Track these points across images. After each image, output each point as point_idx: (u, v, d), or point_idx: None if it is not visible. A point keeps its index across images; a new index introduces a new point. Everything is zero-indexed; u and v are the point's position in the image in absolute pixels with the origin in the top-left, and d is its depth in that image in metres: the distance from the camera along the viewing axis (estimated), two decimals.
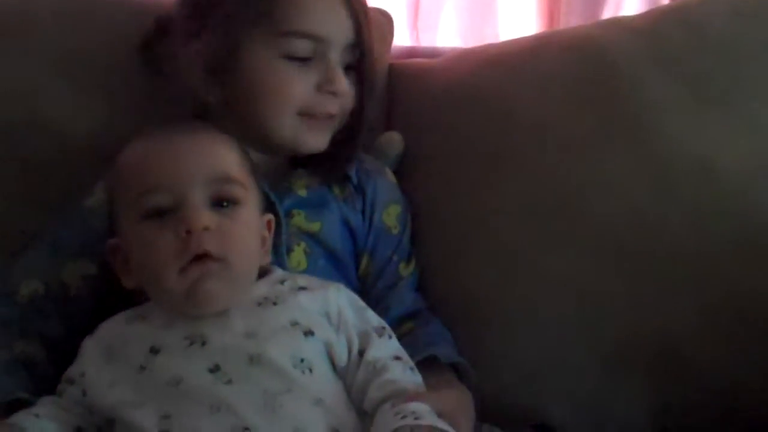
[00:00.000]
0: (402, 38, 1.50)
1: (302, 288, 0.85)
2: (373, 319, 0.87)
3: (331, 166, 1.01)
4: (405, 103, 1.18)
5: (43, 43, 1.11)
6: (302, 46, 0.94)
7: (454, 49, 1.34)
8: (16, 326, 0.89)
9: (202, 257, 0.78)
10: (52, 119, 1.09)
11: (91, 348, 0.82)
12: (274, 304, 0.82)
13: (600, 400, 0.99)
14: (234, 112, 0.97)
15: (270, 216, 0.90)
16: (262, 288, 0.84)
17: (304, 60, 0.95)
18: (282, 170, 1.01)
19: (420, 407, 0.75)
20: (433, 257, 1.06)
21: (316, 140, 0.98)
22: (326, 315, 0.83)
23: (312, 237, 0.97)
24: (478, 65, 1.16)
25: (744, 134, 1.02)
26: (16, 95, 1.09)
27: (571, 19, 1.50)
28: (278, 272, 0.89)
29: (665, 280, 0.99)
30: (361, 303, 0.88)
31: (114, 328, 0.84)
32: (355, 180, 1.03)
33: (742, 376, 0.97)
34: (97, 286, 0.93)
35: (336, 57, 0.96)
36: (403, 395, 0.77)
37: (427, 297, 1.04)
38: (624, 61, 1.08)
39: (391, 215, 1.04)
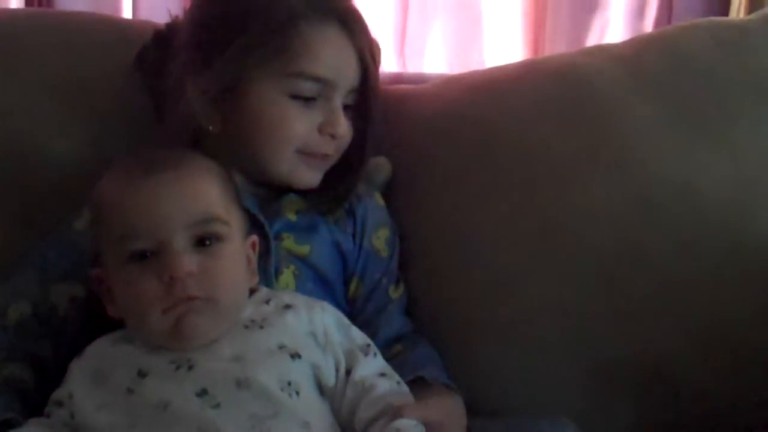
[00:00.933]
0: (389, 64, 1.51)
1: (288, 306, 0.85)
2: (358, 337, 0.87)
3: (329, 202, 1.02)
4: (392, 128, 1.19)
5: (32, 66, 1.12)
6: (308, 87, 0.96)
7: (440, 75, 1.36)
8: (5, 350, 0.89)
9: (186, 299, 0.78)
10: (39, 141, 1.09)
11: (78, 370, 0.82)
12: (261, 327, 0.82)
13: (583, 420, 0.98)
14: (231, 142, 0.97)
15: (254, 237, 0.90)
16: (248, 309, 0.84)
17: (308, 100, 0.96)
18: (273, 195, 1.02)
19: (405, 424, 0.75)
20: (420, 279, 1.07)
21: (311, 177, 1.00)
22: (313, 335, 0.83)
23: (301, 260, 0.98)
24: (465, 91, 1.18)
25: (726, 159, 1.04)
26: (3, 118, 1.09)
27: (556, 46, 1.51)
28: (263, 291, 0.89)
29: (649, 303, 1.00)
30: (346, 320, 0.89)
31: (101, 350, 0.83)
32: (346, 204, 1.03)
33: (725, 398, 0.98)
34: (86, 308, 0.93)
35: (339, 100, 0.98)
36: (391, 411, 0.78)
37: (414, 317, 1.05)
38: (608, 87, 1.09)
39: (380, 238, 1.04)
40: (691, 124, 1.06)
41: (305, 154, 0.98)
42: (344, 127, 0.99)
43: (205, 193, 0.82)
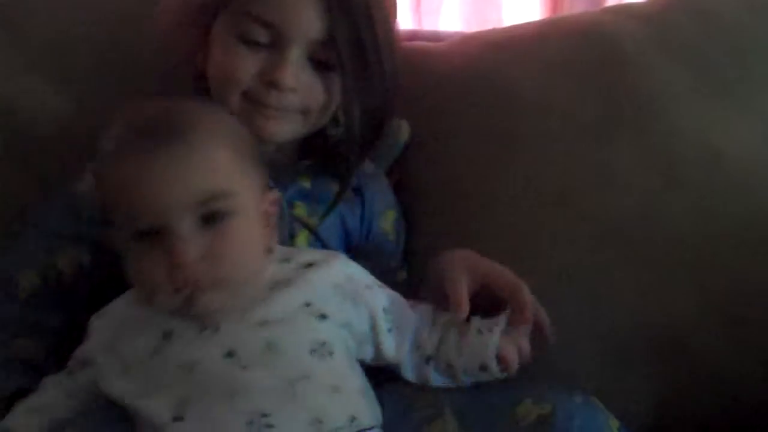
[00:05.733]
0: (404, 21, 1.48)
1: (309, 264, 0.82)
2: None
3: (337, 184, 0.97)
4: (408, 86, 1.16)
5: (21, 32, 1.09)
6: (257, 31, 0.88)
7: (457, 33, 1.33)
8: (15, 323, 0.87)
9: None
10: (27, 106, 1.07)
11: (100, 330, 0.80)
12: (286, 286, 0.80)
13: (600, 390, 0.97)
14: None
15: (277, 193, 0.85)
16: (270, 269, 0.81)
17: (257, 44, 0.89)
18: (287, 159, 0.98)
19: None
20: (438, 239, 1.04)
21: (271, 128, 0.91)
22: (339, 286, 0.81)
23: (310, 231, 0.96)
24: (483, 49, 1.15)
25: (752, 124, 1.02)
26: None
27: (576, 5, 1.48)
28: (280, 250, 0.85)
29: (669, 271, 0.98)
30: (364, 270, 0.86)
31: (122, 311, 0.81)
32: (355, 182, 0.99)
33: (745, 368, 0.97)
34: (92, 273, 0.91)
35: (298, 51, 0.89)
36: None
37: None
38: (631, 48, 1.07)
39: (388, 220, 1.03)
40: (717, 87, 1.04)
41: (255, 101, 0.90)
42: (287, 78, 0.88)
43: (211, 166, 0.76)
